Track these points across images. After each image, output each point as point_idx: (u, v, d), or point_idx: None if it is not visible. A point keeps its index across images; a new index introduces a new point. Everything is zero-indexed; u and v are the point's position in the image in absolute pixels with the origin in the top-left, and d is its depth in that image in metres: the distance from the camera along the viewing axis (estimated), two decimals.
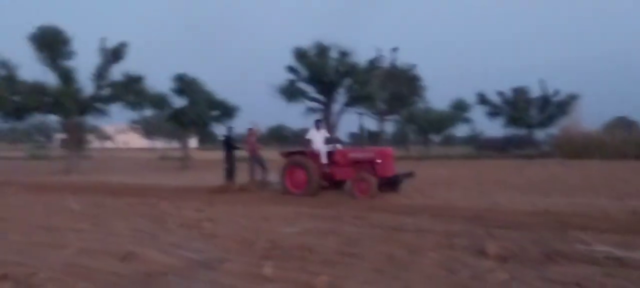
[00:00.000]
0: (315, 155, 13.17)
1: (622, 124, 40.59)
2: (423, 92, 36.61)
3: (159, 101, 30.14)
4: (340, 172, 13.00)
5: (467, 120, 45.23)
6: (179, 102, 31.40)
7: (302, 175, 12.90)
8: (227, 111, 31.56)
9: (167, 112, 32.07)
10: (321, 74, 25.27)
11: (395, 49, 28.45)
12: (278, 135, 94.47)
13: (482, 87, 55.81)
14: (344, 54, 25.97)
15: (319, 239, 7.25)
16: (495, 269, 5.53)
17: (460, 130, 51.63)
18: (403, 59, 34.53)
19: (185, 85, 30.61)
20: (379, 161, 12.45)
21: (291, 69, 26.23)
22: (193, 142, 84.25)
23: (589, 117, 56.30)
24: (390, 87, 34.55)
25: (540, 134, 44.39)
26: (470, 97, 43.94)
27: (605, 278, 5.17)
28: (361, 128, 12.29)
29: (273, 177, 15.08)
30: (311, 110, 26.37)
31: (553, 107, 41.87)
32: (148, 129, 69.34)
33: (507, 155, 36.31)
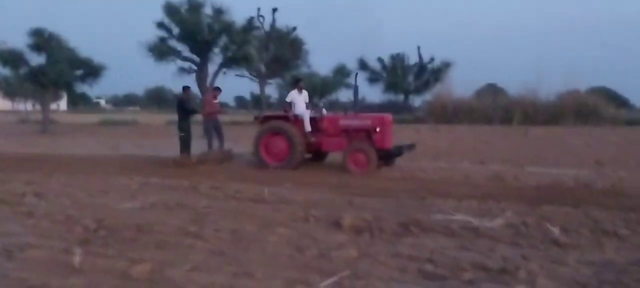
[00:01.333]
0: (298, 121, 11.28)
1: (491, 90, 42.99)
2: (306, 55, 36.17)
3: (10, 58, 26.85)
4: (328, 142, 11.17)
5: (348, 85, 45.67)
6: (37, 59, 28.17)
7: (283, 144, 11.01)
8: (92, 70, 28.88)
9: (23, 70, 28.72)
10: (194, 31, 23.70)
11: (275, 10, 27.53)
12: (157, 98, 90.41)
13: (363, 53, 56.37)
14: (218, 12, 24.57)
15: (161, 215, 6.36)
16: (346, 245, 5.01)
17: (344, 96, 52.06)
18: (284, 21, 33.74)
19: (43, 41, 27.43)
20: (378, 130, 10.71)
21: (161, 26, 24.39)
22: (63, 104, 78.07)
23: (463, 84, 59.20)
24: (272, 50, 33.70)
25: (417, 100, 46.01)
26: (351, 63, 44.34)
27: (459, 252, 4.83)
28: (355, 90, 10.72)
29: (229, 146, 13.38)
30: (184, 70, 24.81)
31: (428, 74, 43.47)
32: (9, 90, 62.53)
33: None
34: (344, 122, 11.12)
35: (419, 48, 43.52)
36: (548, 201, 7.23)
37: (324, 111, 11.88)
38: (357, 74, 11.82)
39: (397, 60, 44.02)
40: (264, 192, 7.88)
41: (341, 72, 43.74)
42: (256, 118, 12.11)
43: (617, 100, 43.71)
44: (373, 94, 78.11)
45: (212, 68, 25.21)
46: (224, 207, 6.85)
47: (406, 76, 44.28)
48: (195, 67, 24.95)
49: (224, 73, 26.48)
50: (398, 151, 11.08)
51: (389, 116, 11.17)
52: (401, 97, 45.15)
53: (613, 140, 19.96)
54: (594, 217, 6.15)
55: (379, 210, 6.64)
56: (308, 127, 11.21)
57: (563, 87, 33.95)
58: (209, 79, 25.02)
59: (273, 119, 11.55)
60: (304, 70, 39.80)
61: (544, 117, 30.66)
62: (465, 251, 4.88)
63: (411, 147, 11.56)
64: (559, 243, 5.10)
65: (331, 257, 4.60)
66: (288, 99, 11.76)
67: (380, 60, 44.28)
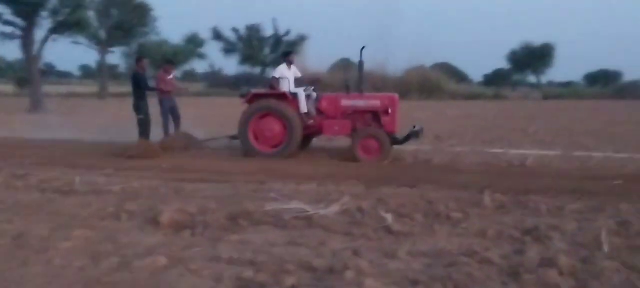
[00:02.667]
0: (293, 101, 9.66)
1: (344, 64, 43.87)
2: (153, 22, 33.84)
3: None
4: (330, 125, 9.61)
5: (202, 56, 44.08)
6: None
7: (278, 128, 9.39)
8: None
9: None
10: None
11: None
12: None
13: (217, 23, 54.64)
14: None
15: None
16: (158, 248, 4.26)
17: (199, 66, 50.23)
18: None
19: None
20: (389, 111, 9.41)
21: None
22: None
23: (319, 58, 60.00)
24: (116, 15, 31.01)
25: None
26: (205, 32, 42.68)
27: (287, 248, 4.32)
28: (360, 66, 8.83)
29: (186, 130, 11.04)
30: (6, 35, 21.72)
31: (285, 47, 43.20)
32: None
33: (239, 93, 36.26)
34: (347, 102, 9.69)
35: (274, 20, 43.09)
36: (387, 181, 7.08)
37: (314, 93, 10.23)
38: (363, 47, 9.72)
39: (253, 31, 43.14)
40: (75, 180, 6.79)
41: (193, 41, 42.02)
42: (242, 96, 10.06)
43: (457, 75, 47.09)
44: (229, 65, 76.63)
45: (40, 34, 22.31)
46: (19, 202, 5.70)
47: (263, 48, 43.63)
48: (19, 33, 21.92)
49: (54, 40, 23.54)
50: (415, 134, 9.56)
51: (396, 96, 9.93)
52: (258, 69, 44.48)
53: (452, 114, 21.21)
54: (428, 199, 6.02)
55: (209, 199, 5.95)
56: (304, 108, 9.69)
57: (409, 62, 35.66)
58: (36, 46, 22.19)
59: (265, 98, 9.74)
60: (152, 38, 37.51)
61: (392, 92, 31.90)
62: (295, 247, 4.39)
63: (420, 132, 9.74)
64: (392, 231, 4.81)
65: (133, 268, 3.83)
66: (276, 75, 10.05)
67: (235, 30, 43.11)
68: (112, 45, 31.24)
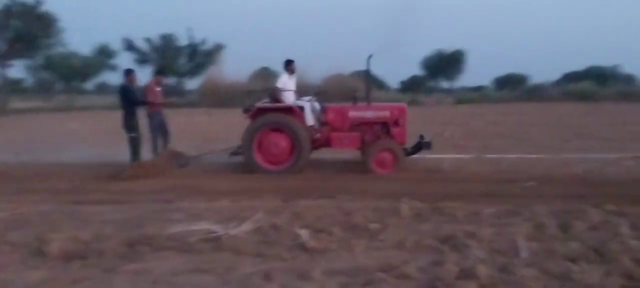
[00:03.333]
0: (299, 114, 8.88)
1: (264, 73, 43.45)
2: (60, 34, 31.91)
3: None
4: (339, 138, 8.97)
5: (113, 67, 42.12)
6: None
7: (284, 143, 8.63)
8: None
9: None
10: None
11: None
12: None
13: (128, 33, 52.28)
14: None
15: None
16: (41, 285, 3.75)
17: (112, 78, 47.78)
18: None
19: None
20: (400, 122, 8.88)
21: None
22: None
23: (238, 67, 58.97)
24: (16, 26, 28.97)
25: (193, 83, 44.31)
26: (115, 43, 40.83)
27: (191, 277, 3.95)
28: (367, 74, 7.90)
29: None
30: None
31: (201, 56, 42.12)
32: None
33: None
34: (355, 113, 9.10)
35: (189, 29, 41.94)
36: (305, 193, 6.77)
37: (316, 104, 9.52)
38: (371, 56, 9.06)
39: (167, 41, 41.70)
40: None
41: (104, 53, 40.08)
42: (246, 110, 9.16)
43: (376, 82, 47.88)
44: (142, 76, 74.01)
45: None
46: None
47: (178, 58, 42.29)
48: None
49: None
50: (427, 145, 9.13)
51: (405, 106, 9.35)
52: (173, 79, 43.06)
53: None
54: (346, 210, 5.79)
55: (107, 223, 5.41)
56: (311, 121, 9.03)
57: (328, 70, 35.75)
58: None
59: (270, 112, 8.93)
60: (58, 49, 35.39)
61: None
62: (199, 274, 4.00)
63: (430, 142, 9.21)
64: (307, 248, 4.51)
65: None
66: (279, 85, 9.23)
67: (148, 40, 41.48)
68: (13, 58, 29.08)
